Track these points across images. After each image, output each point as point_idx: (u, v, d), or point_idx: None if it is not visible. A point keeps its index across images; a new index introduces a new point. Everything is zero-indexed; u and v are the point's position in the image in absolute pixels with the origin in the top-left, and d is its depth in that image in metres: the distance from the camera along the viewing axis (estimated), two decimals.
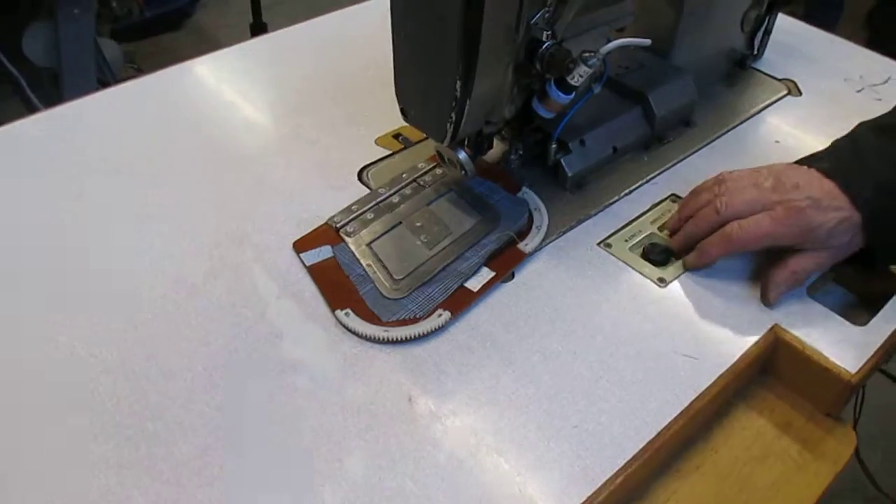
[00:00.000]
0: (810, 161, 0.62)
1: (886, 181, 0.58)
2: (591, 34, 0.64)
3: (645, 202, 0.69)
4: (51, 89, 2.00)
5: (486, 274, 0.62)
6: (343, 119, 0.79)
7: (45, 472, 0.49)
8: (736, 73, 0.87)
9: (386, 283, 0.60)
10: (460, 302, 0.59)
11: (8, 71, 1.89)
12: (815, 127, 0.80)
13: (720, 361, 0.55)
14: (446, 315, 0.58)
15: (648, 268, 0.63)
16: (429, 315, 0.58)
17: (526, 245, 0.64)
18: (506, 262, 0.63)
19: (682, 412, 0.52)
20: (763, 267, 0.61)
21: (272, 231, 0.65)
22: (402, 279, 0.61)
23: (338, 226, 0.65)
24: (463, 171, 0.65)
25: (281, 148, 0.75)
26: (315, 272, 0.61)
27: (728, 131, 0.79)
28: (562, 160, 0.69)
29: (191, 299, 0.60)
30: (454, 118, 0.58)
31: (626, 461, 0.49)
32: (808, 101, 0.84)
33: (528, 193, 0.69)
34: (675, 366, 0.55)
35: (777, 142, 0.77)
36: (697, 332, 0.58)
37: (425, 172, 0.70)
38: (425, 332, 0.57)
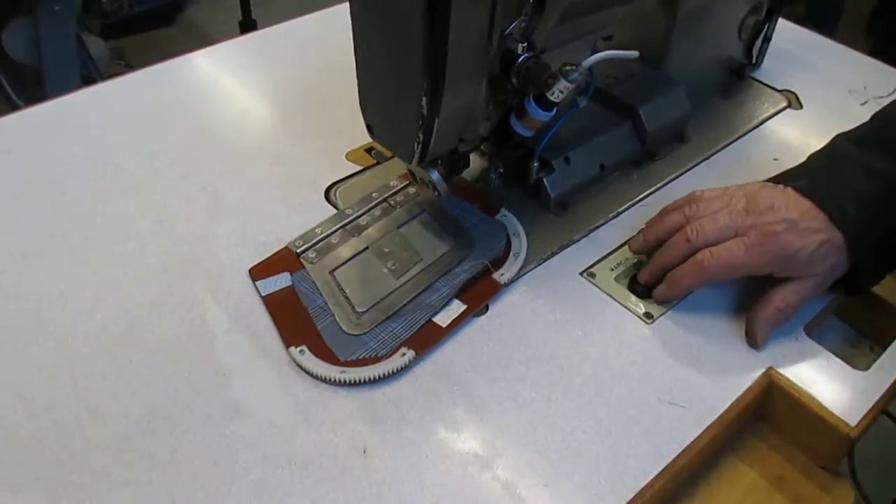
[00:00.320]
0: (785, 179, 0.57)
1: (868, 196, 0.53)
2: (575, 45, 0.59)
3: (633, 226, 0.64)
4: (34, 87, 1.96)
5: (457, 307, 0.56)
6: (313, 131, 0.73)
7: None
8: (733, 84, 0.81)
9: (347, 317, 0.55)
10: (427, 339, 0.54)
11: None
12: (818, 142, 0.73)
13: (709, 409, 0.50)
14: (410, 354, 0.53)
15: (634, 301, 0.58)
16: (391, 354, 0.53)
17: (502, 275, 0.59)
18: (479, 293, 0.58)
19: (664, 469, 0.47)
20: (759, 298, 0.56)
21: (226, 256, 0.60)
22: (365, 312, 0.56)
23: (298, 251, 0.60)
24: (436, 192, 0.60)
25: (243, 163, 0.69)
26: (271, 303, 0.56)
27: (724, 147, 0.74)
28: (544, 179, 0.64)
29: (133, 333, 0.55)
30: (422, 138, 0.53)
31: None
32: (810, 115, 0.79)
33: (507, 217, 0.63)
34: (659, 414, 0.50)
35: (776, 159, 0.72)
36: (685, 375, 0.53)
37: (397, 191, 0.65)
38: (385, 374, 0.52)
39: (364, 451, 0.48)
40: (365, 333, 0.54)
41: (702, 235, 0.55)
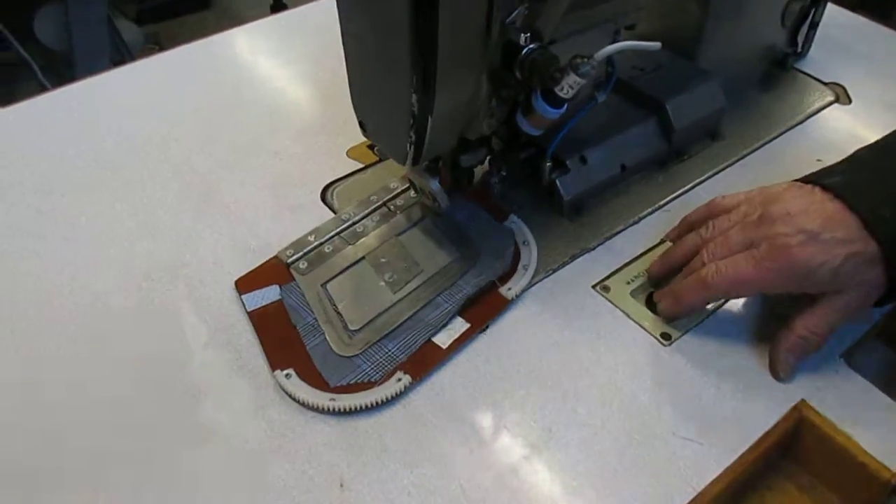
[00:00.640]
0: (819, 176, 0.49)
1: None
2: (590, 34, 0.53)
3: (655, 234, 0.58)
4: (65, 73, 1.95)
5: (459, 326, 0.51)
6: (316, 124, 0.69)
7: None
8: (774, 76, 0.74)
9: (338, 337, 0.50)
10: (425, 362, 0.49)
11: (20, 54, 1.84)
12: (868, 141, 0.67)
13: (729, 448, 0.45)
14: (406, 380, 0.48)
15: (651, 320, 0.52)
16: (385, 379, 0.48)
17: (509, 290, 0.53)
18: (484, 310, 0.52)
19: None
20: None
21: (212, 261, 0.56)
22: (358, 331, 0.51)
23: (289, 261, 0.55)
24: (435, 203, 0.55)
25: (238, 158, 0.65)
26: (257, 319, 0.52)
27: (762, 146, 0.67)
28: (557, 181, 0.59)
29: (106, 344, 0.51)
30: (414, 137, 0.48)
31: None
32: (860, 111, 0.71)
33: (516, 223, 0.58)
34: (672, 452, 0.45)
35: (819, 160, 0.65)
36: (704, 407, 0.47)
37: (397, 195, 0.60)
38: (378, 402, 0.47)
39: (341, 485, 0.43)
40: (357, 355, 0.49)
41: (717, 258, 0.49)
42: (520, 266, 0.55)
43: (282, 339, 0.50)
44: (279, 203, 0.61)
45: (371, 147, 0.66)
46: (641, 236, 0.58)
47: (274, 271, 0.55)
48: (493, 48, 0.46)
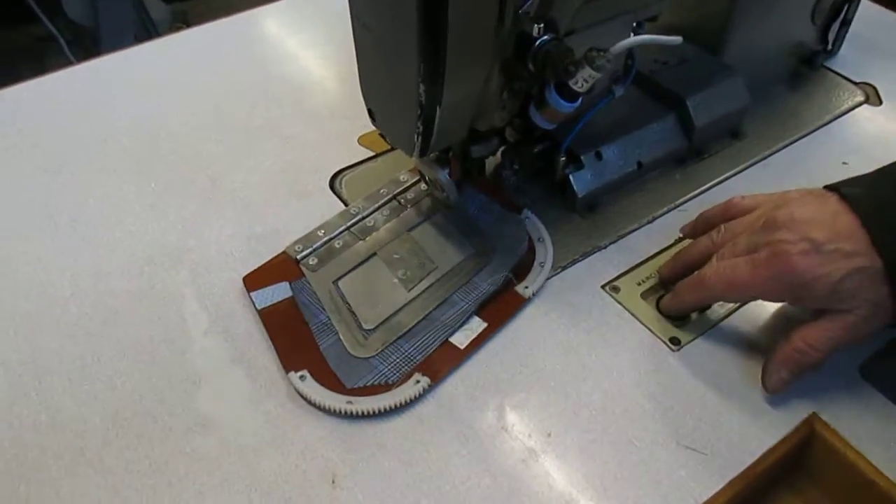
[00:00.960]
0: (842, 184, 0.46)
1: None
2: (608, 26, 0.51)
3: (669, 234, 0.57)
4: (91, 48, 1.96)
5: (476, 326, 0.50)
6: (330, 109, 0.68)
7: None
8: (803, 74, 0.72)
9: (353, 336, 0.49)
10: (443, 363, 0.48)
11: (48, 29, 1.85)
12: None
13: (735, 460, 0.43)
14: (425, 381, 0.46)
15: (661, 323, 0.50)
16: (403, 381, 0.47)
17: (526, 288, 0.52)
18: (501, 309, 0.51)
19: None
20: None
21: (216, 247, 0.56)
22: (373, 330, 0.50)
23: (298, 256, 0.54)
24: (445, 195, 0.54)
25: (249, 143, 0.65)
26: (267, 318, 0.50)
27: (786, 146, 0.65)
28: (570, 176, 0.57)
29: (106, 328, 0.51)
30: (421, 128, 0.46)
31: None
32: (890, 112, 0.69)
33: (530, 219, 0.57)
34: (675, 461, 0.43)
35: (845, 163, 0.63)
36: (711, 415, 0.45)
37: (408, 187, 0.59)
38: (398, 405, 0.45)
39: (333, 481, 0.43)
40: (374, 356, 0.48)
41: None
42: (536, 263, 0.54)
43: (294, 338, 0.49)
44: (287, 189, 0.60)
45: (383, 135, 0.64)
46: (656, 236, 0.57)
47: (283, 267, 0.53)
48: (505, 39, 0.45)
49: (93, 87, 0.71)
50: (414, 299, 0.51)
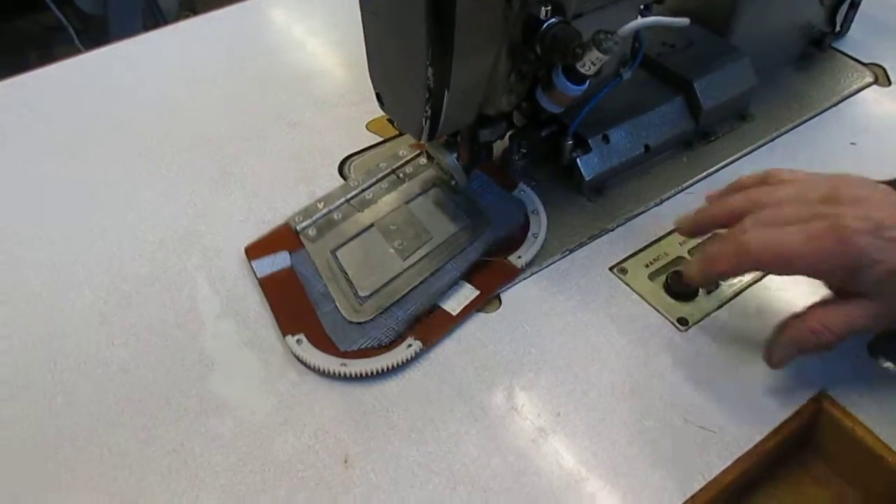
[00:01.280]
0: None
1: None
2: (616, 8, 0.51)
3: (676, 216, 0.56)
4: (100, 37, 1.97)
5: (468, 293, 0.51)
6: (338, 95, 0.68)
7: None
8: (811, 55, 0.72)
9: (348, 303, 0.50)
10: (435, 328, 0.49)
11: (57, 17, 1.86)
12: None
13: (743, 437, 0.44)
14: (417, 345, 0.48)
15: (668, 304, 0.51)
16: (396, 344, 0.48)
17: (519, 258, 0.53)
18: (494, 278, 0.52)
19: None
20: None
21: (227, 232, 0.56)
22: (368, 297, 0.51)
23: (298, 227, 0.55)
24: (453, 181, 0.54)
25: (258, 129, 0.65)
26: (267, 286, 0.52)
27: (793, 128, 0.65)
28: (578, 160, 0.57)
29: (119, 312, 0.51)
30: (430, 112, 0.47)
31: None
32: None
33: (525, 192, 0.57)
34: (684, 439, 0.44)
35: (853, 143, 0.63)
36: (719, 394, 0.46)
37: (406, 162, 0.60)
38: (390, 367, 0.47)
39: (345, 461, 0.43)
40: (368, 321, 0.49)
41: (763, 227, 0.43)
42: (529, 234, 0.55)
43: (292, 304, 0.51)
44: (296, 176, 0.60)
45: (391, 121, 0.65)
46: (662, 219, 0.57)
47: (283, 238, 0.55)
48: (512, 22, 0.45)
49: (103, 75, 0.71)
50: (409, 268, 0.52)
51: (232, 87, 0.69)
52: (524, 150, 0.56)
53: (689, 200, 0.58)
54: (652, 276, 0.53)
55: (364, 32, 0.49)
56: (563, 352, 0.48)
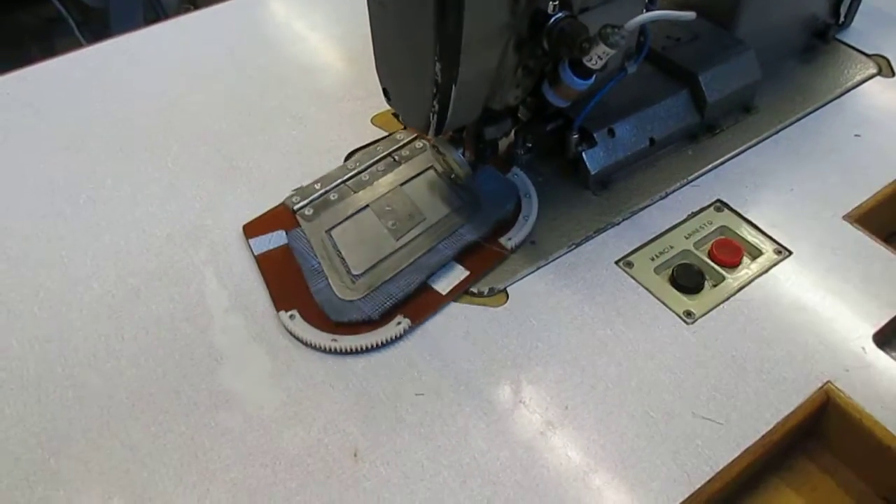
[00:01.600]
0: None
1: None
2: (622, 2, 0.51)
3: (682, 210, 0.57)
4: (100, 29, 1.96)
5: (458, 273, 0.52)
6: (342, 90, 0.68)
7: None
8: (814, 47, 0.72)
9: (341, 281, 0.52)
10: (424, 307, 0.50)
11: (58, 9, 1.85)
12: None
13: (750, 429, 0.44)
14: (406, 323, 0.49)
15: (675, 297, 0.51)
16: (386, 321, 0.49)
17: (509, 240, 0.54)
18: (484, 259, 0.53)
19: (692, 496, 0.41)
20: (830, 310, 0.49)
21: (234, 227, 0.56)
22: (361, 276, 0.52)
23: (295, 207, 0.56)
24: (456, 175, 0.54)
25: (263, 124, 0.65)
26: (263, 263, 0.53)
27: (798, 120, 0.65)
28: (583, 154, 0.58)
29: (128, 305, 0.51)
30: (437, 107, 0.47)
31: None
32: None
33: (518, 176, 0.58)
34: (691, 431, 0.44)
35: (857, 135, 0.63)
36: (726, 386, 0.46)
37: (403, 145, 0.61)
38: (379, 344, 0.48)
39: (355, 455, 0.44)
40: (360, 299, 0.51)
41: None
42: (521, 217, 0.56)
43: (287, 281, 0.52)
44: (302, 170, 0.60)
45: (396, 115, 0.65)
46: (668, 211, 0.57)
47: (280, 217, 0.56)
48: (520, 16, 0.45)
49: (107, 68, 0.71)
50: (401, 248, 0.54)
51: (235, 81, 0.69)
52: (529, 145, 0.56)
53: (695, 193, 0.58)
54: (658, 270, 0.53)
55: (371, 28, 0.49)
56: (570, 345, 0.48)
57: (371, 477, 0.42)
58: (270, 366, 0.48)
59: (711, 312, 0.50)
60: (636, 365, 0.47)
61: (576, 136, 0.57)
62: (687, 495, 0.41)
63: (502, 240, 0.54)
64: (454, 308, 0.51)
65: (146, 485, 0.43)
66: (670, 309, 0.50)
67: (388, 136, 0.63)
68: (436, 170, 0.58)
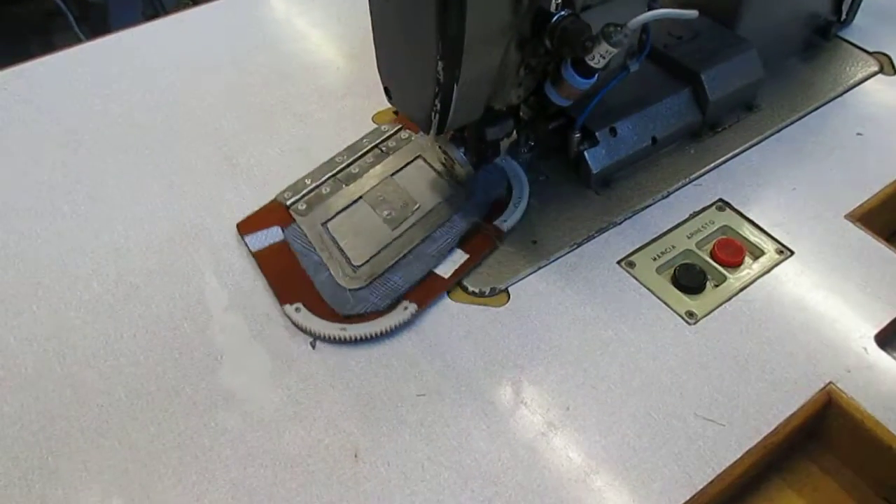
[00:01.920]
0: None
1: None
2: (625, 1, 0.51)
3: (684, 209, 0.57)
4: (99, 24, 1.96)
5: (458, 257, 0.53)
6: (343, 87, 0.68)
7: None
8: (816, 45, 0.71)
9: (343, 271, 0.52)
10: (429, 291, 0.51)
11: (56, 5, 1.85)
12: None
13: (752, 430, 0.44)
14: (413, 308, 0.49)
15: (676, 297, 0.51)
16: (392, 308, 0.50)
17: (504, 222, 0.55)
18: (481, 242, 0.54)
19: (694, 497, 0.41)
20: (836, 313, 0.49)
21: (233, 226, 0.56)
22: (362, 265, 0.52)
23: (288, 203, 0.56)
24: (450, 176, 0.54)
25: (263, 121, 0.65)
26: (262, 259, 0.53)
27: (800, 118, 0.65)
28: (585, 153, 0.57)
29: (127, 304, 0.51)
30: (439, 106, 0.47)
31: None
32: None
33: (506, 160, 0.59)
34: (693, 432, 0.44)
35: (859, 133, 0.63)
36: (728, 387, 0.46)
37: (389, 136, 0.61)
38: (388, 330, 0.48)
39: (355, 455, 0.43)
40: (364, 287, 0.51)
41: None
42: (513, 198, 0.56)
43: (288, 275, 0.52)
44: (302, 168, 0.60)
45: (397, 113, 0.65)
46: (670, 211, 0.57)
47: (274, 213, 0.56)
48: (522, 15, 0.45)
49: (107, 65, 0.71)
50: (399, 237, 0.54)
51: (235, 77, 0.69)
52: (531, 143, 0.56)
53: (697, 192, 0.57)
54: (660, 270, 0.53)
55: (372, 27, 0.49)
56: (571, 346, 0.48)
57: (371, 477, 0.42)
58: (270, 365, 0.48)
59: (713, 313, 0.50)
60: (638, 365, 0.47)
61: (577, 135, 0.57)
62: (689, 496, 0.41)
63: (497, 222, 0.55)
64: (456, 308, 0.50)
65: (145, 484, 0.42)
66: (672, 309, 0.50)
67: (374, 129, 0.63)
68: (436, 169, 0.58)
